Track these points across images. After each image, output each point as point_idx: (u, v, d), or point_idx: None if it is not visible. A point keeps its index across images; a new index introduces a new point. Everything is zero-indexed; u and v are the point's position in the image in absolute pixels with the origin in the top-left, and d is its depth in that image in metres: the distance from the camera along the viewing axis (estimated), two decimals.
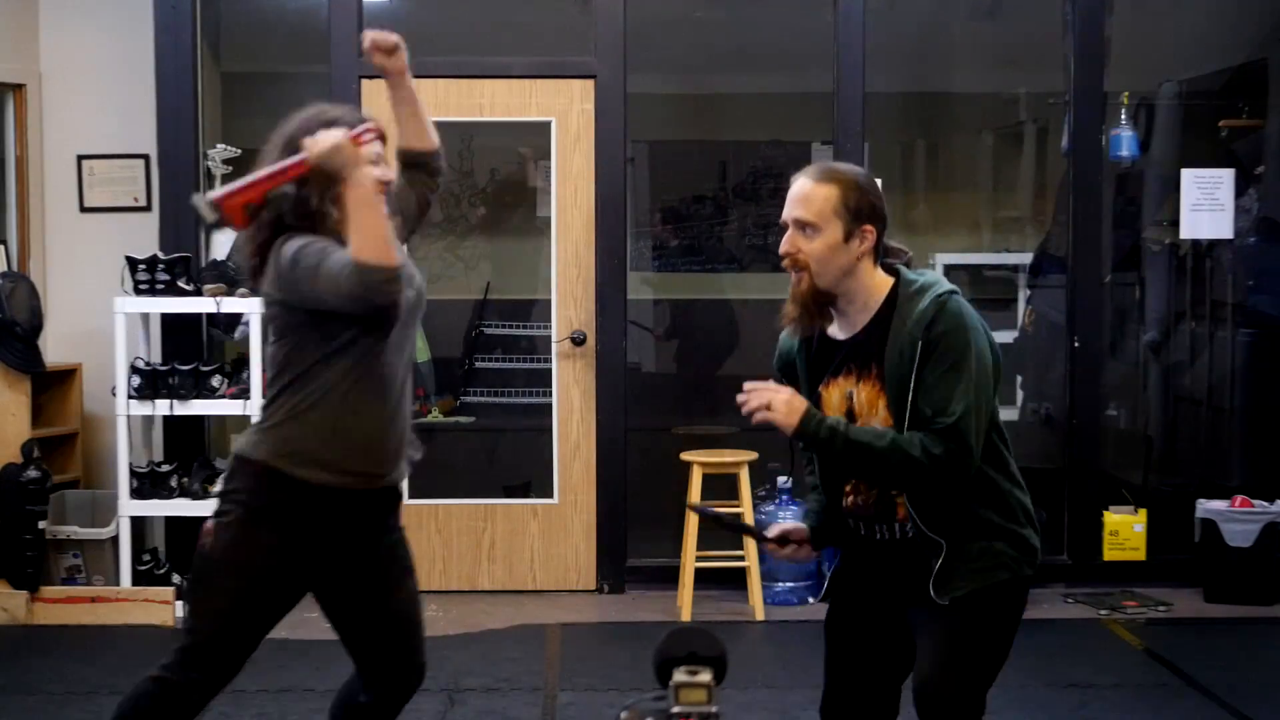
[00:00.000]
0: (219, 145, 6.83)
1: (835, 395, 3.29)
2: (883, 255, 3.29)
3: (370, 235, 3.12)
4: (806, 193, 3.23)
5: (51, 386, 6.73)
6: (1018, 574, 3.24)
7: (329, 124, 3.30)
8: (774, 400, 3.20)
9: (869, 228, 3.21)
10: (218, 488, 3.51)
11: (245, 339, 6.45)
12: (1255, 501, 6.64)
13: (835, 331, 3.31)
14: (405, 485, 3.61)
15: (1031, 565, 3.27)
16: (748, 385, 3.23)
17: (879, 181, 3.35)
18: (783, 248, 3.25)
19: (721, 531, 6.10)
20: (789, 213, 3.25)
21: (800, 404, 3.20)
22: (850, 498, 3.34)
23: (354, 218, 3.15)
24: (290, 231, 3.31)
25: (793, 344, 3.37)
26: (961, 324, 3.16)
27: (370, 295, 3.12)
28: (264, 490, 3.32)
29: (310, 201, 3.31)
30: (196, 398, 6.42)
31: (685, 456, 6.49)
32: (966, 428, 3.11)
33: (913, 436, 3.13)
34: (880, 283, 3.26)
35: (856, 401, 3.25)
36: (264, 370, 3.33)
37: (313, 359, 3.30)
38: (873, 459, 3.15)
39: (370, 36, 3.60)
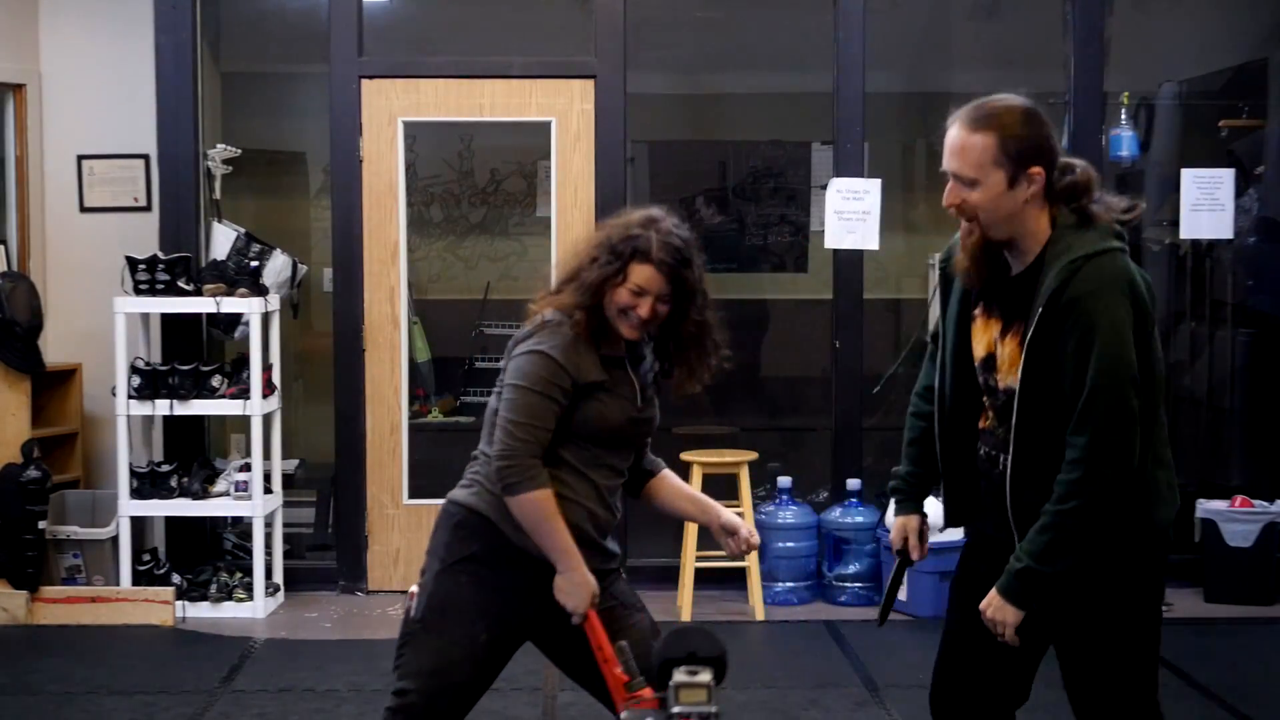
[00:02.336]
0: (219, 145, 6.83)
1: (983, 338, 3.12)
2: (1058, 189, 3.01)
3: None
4: (961, 144, 2.99)
5: (51, 386, 6.73)
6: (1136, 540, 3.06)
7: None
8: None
9: (1036, 170, 2.97)
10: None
11: (245, 339, 6.45)
12: (1255, 501, 6.63)
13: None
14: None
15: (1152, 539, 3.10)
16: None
17: (1036, 117, 3.03)
18: (946, 199, 3.04)
19: None
20: (947, 164, 3.03)
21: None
22: (984, 420, 3.17)
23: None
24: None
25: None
26: (1089, 300, 2.91)
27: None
28: None
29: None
30: (196, 398, 6.42)
31: (685, 456, 6.48)
32: (1104, 443, 2.93)
33: (1064, 489, 2.95)
34: (1045, 227, 3.01)
35: (999, 358, 3.08)
36: None
37: None
38: (1067, 549, 2.96)
39: (747, 539, 3.63)
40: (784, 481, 6.74)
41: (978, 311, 3.15)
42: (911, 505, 3.37)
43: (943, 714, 3.32)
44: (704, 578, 6.43)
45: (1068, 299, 2.93)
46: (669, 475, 3.68)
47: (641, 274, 3.37)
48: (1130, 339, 2.94)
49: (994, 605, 3.05)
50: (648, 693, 3.12)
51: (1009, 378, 3.05)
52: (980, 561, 3.22)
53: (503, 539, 3.38)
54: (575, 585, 3.34)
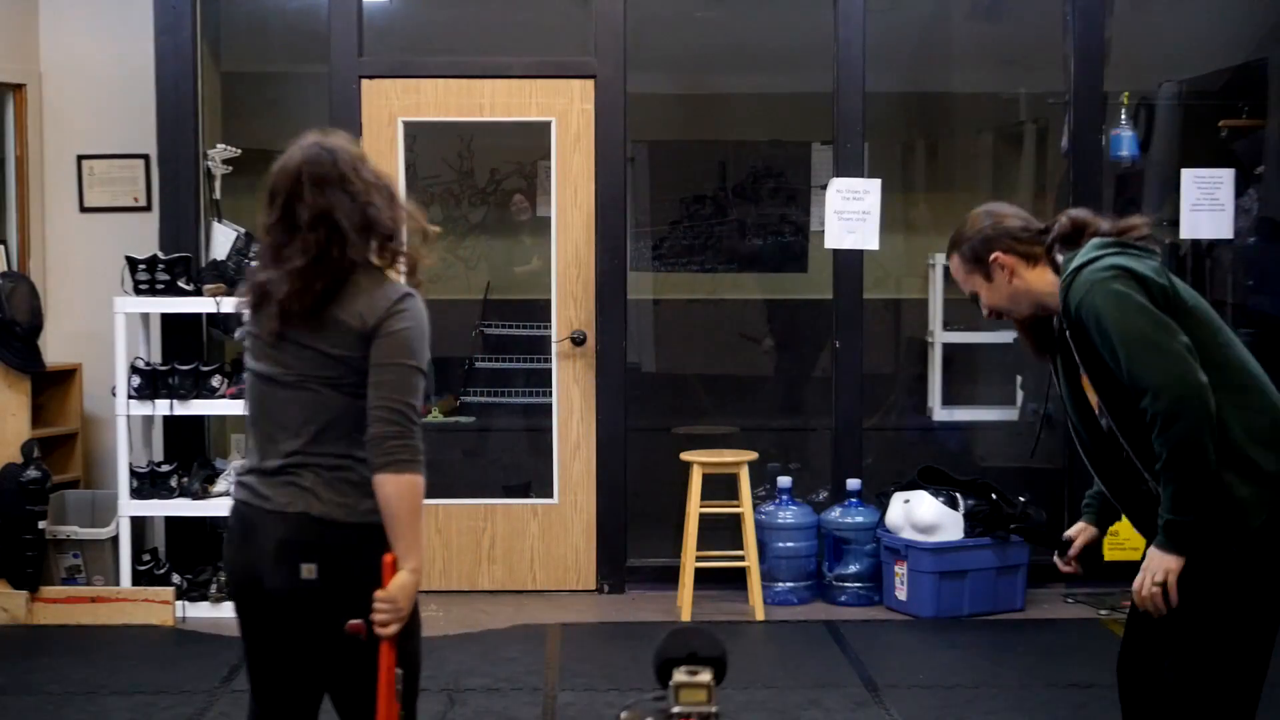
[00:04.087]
0: (219, 145, 6.83)
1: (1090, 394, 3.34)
2: (1048, 247, 3.35)
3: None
4: (953, 271, 3.47)
5: (51, 386, 6.73)
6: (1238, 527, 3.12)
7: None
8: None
9: (996, 255, 3.34)
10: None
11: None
12: None
13: None
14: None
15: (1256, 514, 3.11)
16: None
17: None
18: (984, 312, 3.46)
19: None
20: None
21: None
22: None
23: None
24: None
25: None
26: (1086, 299, 3.14)
27: None
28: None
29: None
30: (196, 398, 6.42)
31: (685, 456, 6.49)
32: (1159, 384, 3.05)
33: (1156, 446, 3.09)
34: (1053, 281, 3.32)
35: (1092, 400, 3.29)
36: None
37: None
38: (1191, 492, 3.08)
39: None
40: (784, 481, 6.74)
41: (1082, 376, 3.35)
42: (1090, 517, 3.59)
43: (1127, 693, 3.42)
44: (704, 578, 6.43)
45: (1075, 312, 3.16)
46: None
47: None
48: (1140, 302, 3.10)
49: (1154, 559, 3.14)
50: None
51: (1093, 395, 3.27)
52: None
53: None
54: (411, 589, 3.07)
